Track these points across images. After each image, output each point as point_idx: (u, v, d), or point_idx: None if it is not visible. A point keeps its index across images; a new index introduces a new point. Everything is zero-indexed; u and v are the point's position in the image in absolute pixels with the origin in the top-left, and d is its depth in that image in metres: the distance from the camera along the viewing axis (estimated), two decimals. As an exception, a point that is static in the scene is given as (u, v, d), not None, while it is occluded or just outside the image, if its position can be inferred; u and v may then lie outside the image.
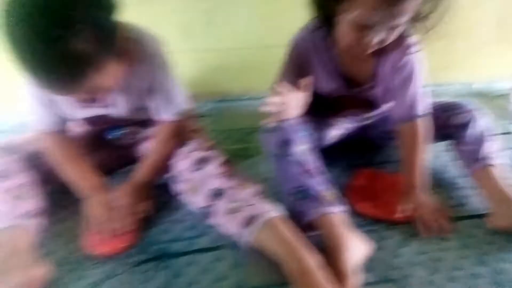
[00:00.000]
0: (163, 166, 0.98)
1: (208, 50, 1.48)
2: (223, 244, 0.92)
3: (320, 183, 0.89)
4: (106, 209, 0.92)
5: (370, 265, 0.85)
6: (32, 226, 0.89)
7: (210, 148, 1.00)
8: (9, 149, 0.97)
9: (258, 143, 1.30)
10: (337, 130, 1.11)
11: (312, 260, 0.75)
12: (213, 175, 0.92)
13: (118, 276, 0.85)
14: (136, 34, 0.85)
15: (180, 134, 1.01)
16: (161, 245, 0.93)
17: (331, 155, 1.07)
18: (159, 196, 1.05)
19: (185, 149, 0.99)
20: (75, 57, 0.67)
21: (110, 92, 0.88)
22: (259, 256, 0.86)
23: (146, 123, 1.04)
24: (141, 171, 0.98)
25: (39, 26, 0.64)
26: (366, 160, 1.19)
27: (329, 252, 0.81)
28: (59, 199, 1.06)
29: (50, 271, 0.83)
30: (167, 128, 0.99)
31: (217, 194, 0.89)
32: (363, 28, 0.80)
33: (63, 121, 0.96)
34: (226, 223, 0.87)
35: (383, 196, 1.03)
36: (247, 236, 0.83)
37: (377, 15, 0.75)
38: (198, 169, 0.94)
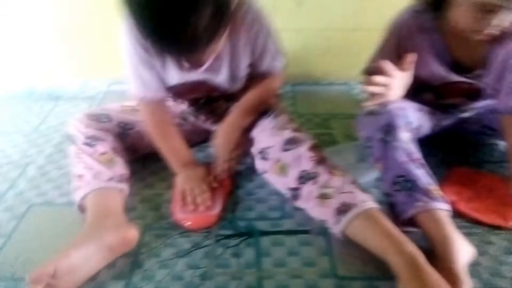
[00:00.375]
0: (254, 114, 0.98)
1: (297, 30, 1.43)
2: (310, 229, 0.88)
3: (426, 175, 0.83)
4: (195, 185, 0.92)
5: (473, 270, 0.77)
6: (122, 190, 0.91)
7: (298, 130, 0.96)
8: (101, 117, 1.00)
9: (339, 129, 1.27)
10: (434, 121, 1.03)
11: (420, 255, 0.70)
12: (304, 157, 0.88)
13: (206, 247, 0.84)
14: None
15: (273, 92, 1.01)
16: (246, 222, 0.91)
17: (424, 148, 0.99)
18: (243, 175, 1.05)
19: (272, 124, 0.97)
20: (199, 26, 0.67)
21: (216, 56, 0.87)
22: (351, 246, 0.81)
23: (232, 97, 1.03)
24: (234, 114, 0.98)
25: None
26: (462, 158, 1.09)
27: (434, 252, 0.74)
28: (148, 165, 1.09)
29: (139, 234, 0.84)
30: (266, 81, 0.98)
31: (308, 177, 0.86)
32: (486, 11, 0.75)
33: (162, 89, 0.96)
34: (316, 208, 0.84)
35: (484, 198, 0.94)
36: (341, 225, 0.79)
37: None
38: (288, 149, 0.90)
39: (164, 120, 0.98)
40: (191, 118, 1.11)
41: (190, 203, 0.90)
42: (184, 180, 0.94)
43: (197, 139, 1.14)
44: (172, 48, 0.73)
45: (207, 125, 1.12)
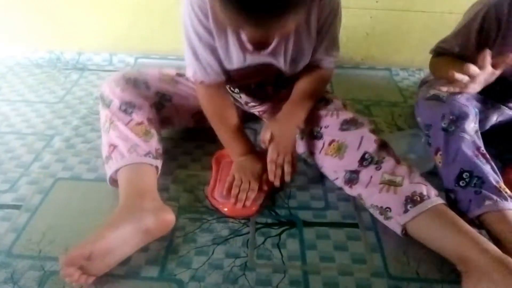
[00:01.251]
0: (308, 109, 0.88)
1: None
2: (357, 222, 0.82)
3: (493, 172, 0.75)
4: (247, 179, 0.84)
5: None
6: (157, 167, 0.85)
7: (355, 113, 0.89)
8: (139, 82, 0.92)
9: (382, 117, 1.18)
10: (501, 116, 0.94)
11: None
12: (367, 138, 0.81)
13: (245, 235, 0.78)
14: None
15: (326, 83, 0.92)
16: (287, 211, 0.84)
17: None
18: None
19: (327, 107, 0.89)
20: None
21: (282, 39, 0.80)
22: (403, 243, 0.75)
23: (283, 83, 0.95)
24: (287, 109, 0.87)
25: None
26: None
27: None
28: (180, 143, 1.02)
29: (175, 217, 0.77)
30: (319, 71, 0.89)
31: (371, 160, 0.78)
32: None
33: (222, 74, 0.87)
34: (378, 194, 0.76)
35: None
36: (407, 215, 0.72)
37: None
38: (347, 129, 0.84)
39: (224, 104, 0.90)
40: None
41: (233, 195, 0.83)
42: (238, 168, 0.86)
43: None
44: (257, 9, 0.60)
45: (246, 108, 1.06)
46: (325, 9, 0.79)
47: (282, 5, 0.59)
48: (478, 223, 0.73)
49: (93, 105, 1.19)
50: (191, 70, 0.85)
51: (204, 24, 0.78)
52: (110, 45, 1.45)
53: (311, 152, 0.90)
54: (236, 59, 0.83)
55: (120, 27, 1.42)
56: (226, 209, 0.82)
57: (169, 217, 0.75)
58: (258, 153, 0.90)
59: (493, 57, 0.74)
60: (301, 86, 0.89)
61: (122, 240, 0.68)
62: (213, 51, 0.82)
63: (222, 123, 0.90)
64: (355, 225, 0.81)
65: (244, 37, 0.78)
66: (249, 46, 0.79)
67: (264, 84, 0.96)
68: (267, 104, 1.02)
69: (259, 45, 0.80)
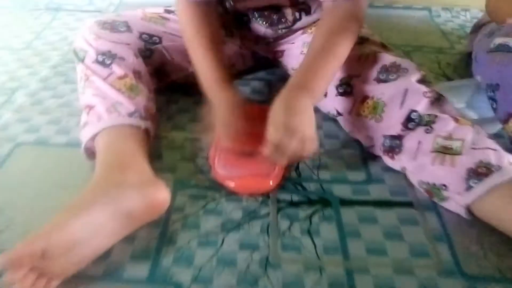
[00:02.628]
0: (334, 70, 0.63)
1: None
2: (411, 200, 0.62)
3: None
4: (239, 117, 0.61)
5: None
6: (147, 130, 0.64)
7: (396, 56, 0.67)
8: (117, 24, 0.71)
9: (426, 65, 0.96)
10: None
11: None
12: (413, 91, 0.60)
13: (264, 219, 0.59)
14: None
15: (359, 19, 0.65)
16: (317, 184, 0.64)
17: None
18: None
19: (360, 47, 0.68)
20: None
21: None
22: (483, 226, 0.56)
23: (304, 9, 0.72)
24: (302, 71, 0.61)
25: None
26: None
27: None
28: (175, 98, 0.81)
29: (169, 195, 0.57)
30: (348, 7, 0.63)
31: (420, 121, 0.59)
32: None
33: None
34: (431, 168, 0.58)
35: None
36: (472, 194, 0.54)
37: None
38: (386, 80, 0.63)
39: (208, 23, 0.67)
40: (237, 37, 0.81)
41: (236, 144, 0.60)
42: (229, 110, 0.61)
43: (242, 65, 0.85)
44: None
45: (258, 48, 0.82)
46: None
47: None
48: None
49: (67, 51, 0.96)
50: None
51: None
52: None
53: (338, 112, 0.70)
54: None
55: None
56: (233, 185, 0.62)
57: (161, 194, 0.55)
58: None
59: None
60: (322, 32, 0.63)
61: (93, 228, 0.48)
62: None
63: (202, 45, 0.66)
64: (408, 204, 0.61)
65: None
66: None
67: (279, 8, 0.73)
68: (287, 38, 0.79)
69: None
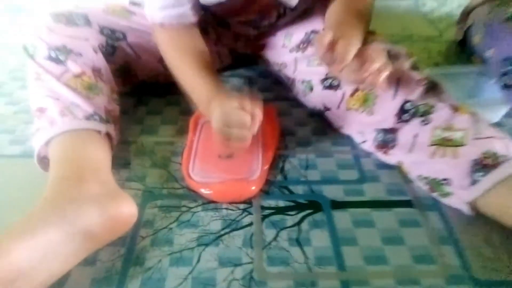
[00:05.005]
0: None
1: None
2: (410, 199, 0.56)
3: None
4: (229, 116, 0.52)
5: None
6: (109, 134, 0.56)
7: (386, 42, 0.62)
8: (74, 17, 0.63)
9: (419, 55, 0.90)
10: None
11: None
12: (404, 78, 0.55)
13: (247, 228, 0.51)
14: None
15: None
16: (305, 186, 0.58)
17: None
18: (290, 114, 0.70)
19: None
20: None
21: None
22: (492, 224, 0.50)
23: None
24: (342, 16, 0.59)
25: None
26: None
27: None
28: (145, 100, 0.74)
29: (137, 208, 0.50)
30: None
31: (415, 111, 0.53)
32: None
33: (196, 10, 0.60)
34: (431, 161, 0.52)
35: None
36: (478, 187, 0.48)
37: None
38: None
39: (193, 43, 0.62)
40: (213, 34, 0.74)
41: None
42: (224, 115, 0.51)
43: (218, 64, 0.78)
44: None
45: (237, 45, 0.76)
46: None
47: None
48: None
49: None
50: (150, 7, 0.59)
51: None
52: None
53: (325, 107, 0.64)
54: None
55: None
56: (210, 192, 0.55)
57: (126, 208, 0.48)
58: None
59: None
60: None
61: (42, 254, 0.40)
62: None
63: (185, 62, 0.60)
64: (407, 203, 0.55)
65: None
66: None
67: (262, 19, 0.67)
68: (269, 33, 0.73)
69: None
